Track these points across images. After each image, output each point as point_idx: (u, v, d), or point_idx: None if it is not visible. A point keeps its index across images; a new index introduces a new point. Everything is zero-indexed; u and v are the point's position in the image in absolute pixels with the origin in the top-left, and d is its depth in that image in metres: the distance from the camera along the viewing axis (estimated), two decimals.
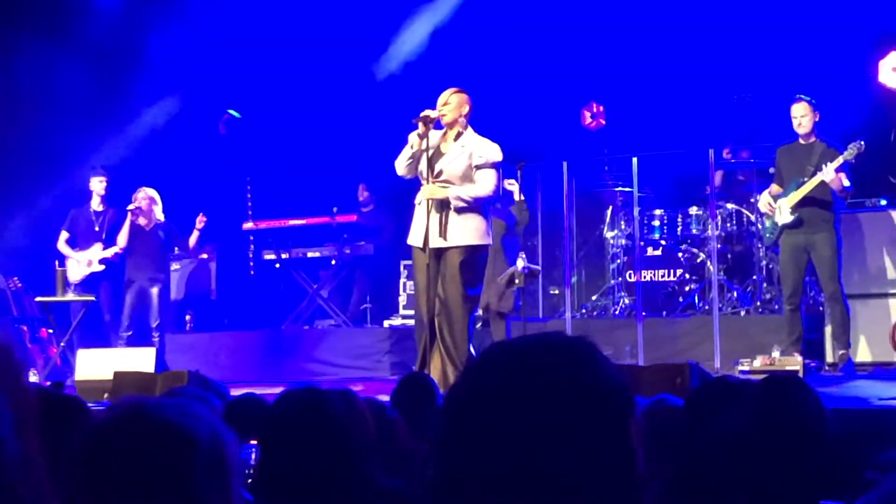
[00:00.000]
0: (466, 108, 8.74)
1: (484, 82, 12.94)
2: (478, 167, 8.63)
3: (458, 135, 8.73)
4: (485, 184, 8.64)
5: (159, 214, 12.43)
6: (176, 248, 13.28)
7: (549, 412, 1.47)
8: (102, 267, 12.61)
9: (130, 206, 12.20)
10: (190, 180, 14.39)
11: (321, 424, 2.71)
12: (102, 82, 14.46)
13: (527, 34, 13.57)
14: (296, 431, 2.78)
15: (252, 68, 14.55)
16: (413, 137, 8.65)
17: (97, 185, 12.84)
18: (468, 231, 8.59)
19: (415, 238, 8.77)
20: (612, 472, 1.48)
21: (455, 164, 8.63)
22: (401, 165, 8.75)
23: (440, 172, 8.63)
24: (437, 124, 8.71)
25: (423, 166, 8.68)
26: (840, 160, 9.66)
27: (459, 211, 8.58)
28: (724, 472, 2.58)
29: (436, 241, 8.57)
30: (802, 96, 10.02)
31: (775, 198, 10.12)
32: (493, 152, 8.69)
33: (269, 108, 14.74)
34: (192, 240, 12.44)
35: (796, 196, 9.92)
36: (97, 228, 12.74)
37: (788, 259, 10.04)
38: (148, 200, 12.34)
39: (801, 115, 9.94)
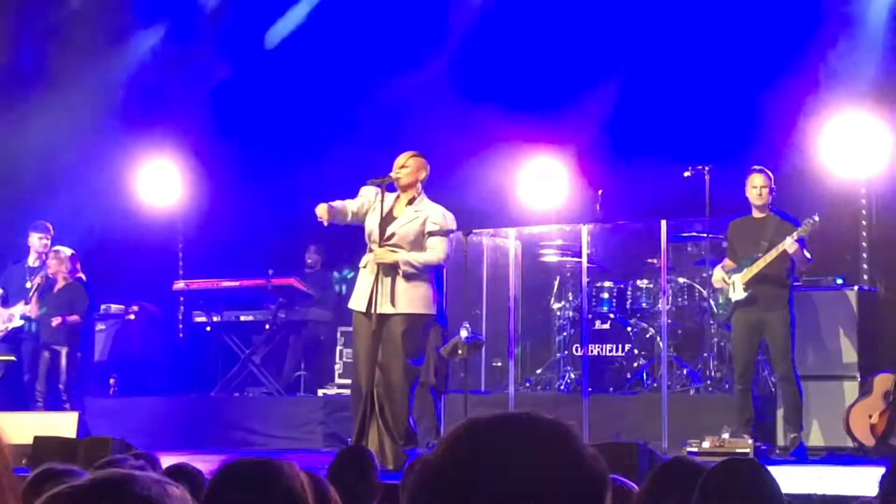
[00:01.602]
0: (424, 174, 8.84)
1: (429, 145, 13.06)
2: (430, 234, 8.71)
3: (412, 199, 8.80)
4: (436, 251, 8.71)
5: (72, 273, 12.38)
6: (102, 307, 13.21)
7: (524, 497, 1.50)
8: (21, 322, 12.51)
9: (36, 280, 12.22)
10: (117, 236, 14.29)
11: (269, 499, 2.69)
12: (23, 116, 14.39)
13: (477, 90, 13.67)
14: None
15: (190, 117, 14.52)
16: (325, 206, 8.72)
17: (36, 241, 12.79)
18: (415, 299, 8.64)
19: (357, 302, 8.79)
20: None
21: (407, 229, 8.70)
22: (320, 213, 8.82)
23: (391, 236, 8.68)
24: (392, 186, 8.79)
25: (373, 229, 8.73)
26: (796, 235, 9.79)
27: (408, 277, 8.63)
28: None
29: (383, 307, 8.60)
30: (762, 168, 10.17)
31: (729, 273, 10.24)
32: (448, 220, 8.79)
33: (206, 162, 14.71)
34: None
35: (750, 272, 10.03)
36: (28, 285, 12.67)
37: (741, 337, 10.14)
38: (56, 262, 12.28)
39: (762, 186, 10.08)
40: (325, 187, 13.44)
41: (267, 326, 13.79)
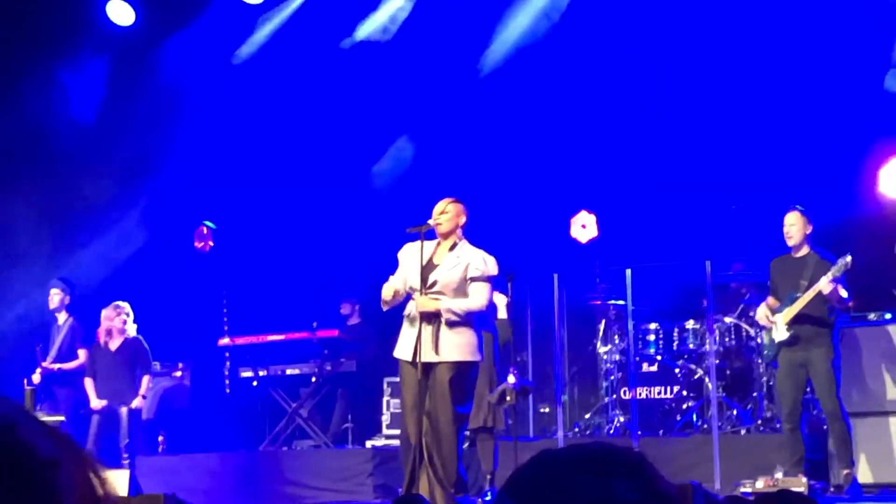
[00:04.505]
0: (463, 219, 8.84)
1: (471, 191, 13.09)
2: (472, 279, 8.69)
3: (454, 245, 8.81)
4: (478, 298, 8.70)
5: (130, 330, 12.45)
6: (157, 364, 13.30)
7: None
8: (37, 380, 12.46)
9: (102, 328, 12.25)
10: (162, 294, 14.42)
11: None
12: (69, 191, 14.57)
13: (516, 142, 13.74)
14: None
15: (230, 178, 14.67)
16: (390, 288, 8.76)
17: (50, 298, 12.84)
18: (460, 346, 8.63)
19: (403, 351, 8.80)
20: None
21: (449, 276, 8.69)
22: (385, 297, 8.85)
23: (433, 283, 8.69)
24: (432, 234, 8.81)
25: (414, 278, 8.74)
26: (830, 275, 9.77)
27: (451, 325, 8.62)
28: None
29: (427, 355, 8.59)
30: (797, 206, 10.16)
31: (773, 312, 10.22)
32: (490, 266, 8.77)
33: (248, 219, 14.82)
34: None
35: (791, 312, 10.02)
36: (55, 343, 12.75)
37: (786, 376, 10.12)
38: (113, 318, 12.32)
39: (791, 225, 10.10)
40: (363, 240, 13.60)
41: (313, 379, 13.83)
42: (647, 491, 1.55)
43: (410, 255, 8.87)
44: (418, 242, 8.80)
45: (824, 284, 9.79)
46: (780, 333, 10.10)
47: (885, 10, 12.34)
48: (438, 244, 8.88)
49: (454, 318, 8.62)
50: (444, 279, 8.70)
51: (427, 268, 8.76)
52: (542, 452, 1.63)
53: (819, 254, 10.14)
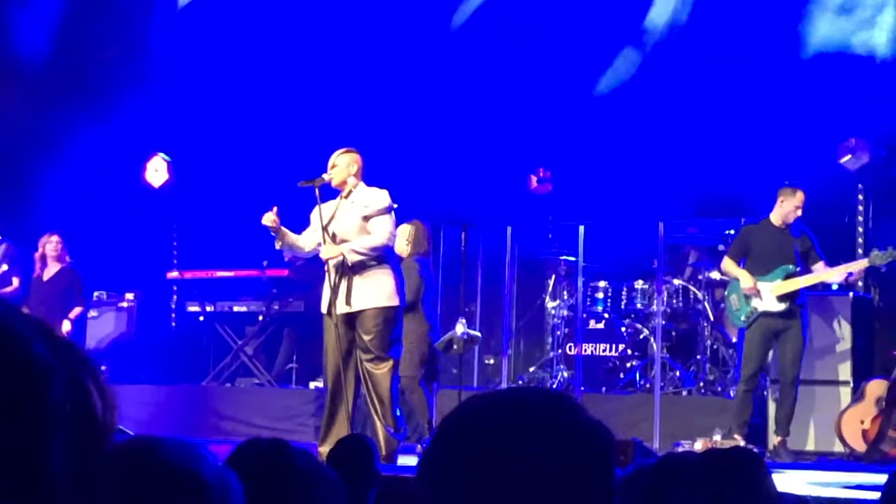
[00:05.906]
0: (355, 167, 8.78)
1: (429, 142, 13.09)
2: (367, 217, 8.65)
3: (349, 194, 8.80)
4: (378, 232, 8.64)
5: (63, 259, 12.38)
6: (95, 294, 13.21)
7: (531, 475, 1.48)
8: None
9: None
10: (114, 224, 14.34)
11: (288, 486, 2.68)
12: (28, 106, 14.40)
13: (474, 94, 13.70)
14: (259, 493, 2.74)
15: (187, 109, 14.54)
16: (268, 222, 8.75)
17: None
18: (375, 293, 8.60)
19: (322, 305, 8.82)
20: None
21: (346, 222, 8.67)
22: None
23: (334, 235, 8.67)
24: (332, 189, 8.79)
25: (319, 234, 8.73)
26: (879, 262, 9.94)
27: (361, 271, 8.57)
28: None
29: (341, 307, 8.58)
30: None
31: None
32: (379, 198, 8.70)
33: (203, 152, 14.72)
34: None
35: (789, 286, 10.06)
36: None
37: (760, 341, 10.16)
38: (53, 245, 12.29)
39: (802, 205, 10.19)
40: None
41: (260, 318, 13.81)
42: (571, 434, 1.52)
43: (315, 214, 8.88)
44: (326, 203, 8.82)
45: (860, 267, 10.04)
46: (769, 304, 10.12)
47: None
48: (341, 197, 8.87)
49: (359, 256, 8.54)
50: (342, 228, 8.67)
51: (328, 222, 8.74)
52: (470, 397, 1.58)
53: (799, 227, 10.25)
